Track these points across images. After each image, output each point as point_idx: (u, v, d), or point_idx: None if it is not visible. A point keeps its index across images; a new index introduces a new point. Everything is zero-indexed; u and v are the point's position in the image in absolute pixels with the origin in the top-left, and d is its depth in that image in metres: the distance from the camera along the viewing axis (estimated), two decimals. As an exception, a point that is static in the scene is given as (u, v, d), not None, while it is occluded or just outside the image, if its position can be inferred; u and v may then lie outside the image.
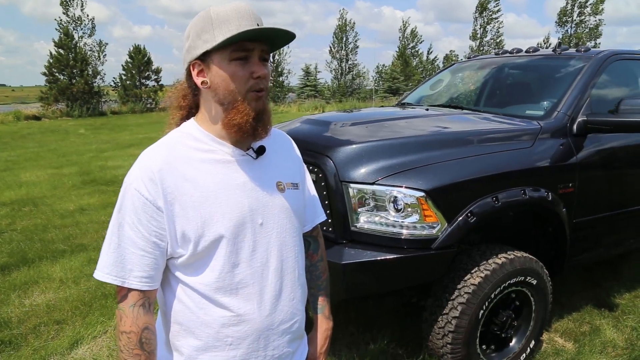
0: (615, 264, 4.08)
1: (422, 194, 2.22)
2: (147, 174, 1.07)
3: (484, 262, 2.44)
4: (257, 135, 1.13)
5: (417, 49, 37.18)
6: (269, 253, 1.17)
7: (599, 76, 2.98)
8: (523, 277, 2.51)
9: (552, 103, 2.90)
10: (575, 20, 32.61)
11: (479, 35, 33.45)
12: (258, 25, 1.06)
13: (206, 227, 1.08)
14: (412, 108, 3.71)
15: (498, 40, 33.14)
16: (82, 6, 23.36)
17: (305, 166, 1.39)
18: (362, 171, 2.33)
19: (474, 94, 3.78)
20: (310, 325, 1.45)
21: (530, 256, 2.57)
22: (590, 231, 2.95)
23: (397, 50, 36.43)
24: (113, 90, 26.83)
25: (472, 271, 2.42)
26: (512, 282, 2.47)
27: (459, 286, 2.40)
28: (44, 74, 22.09)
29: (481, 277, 2.38)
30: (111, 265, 1.07)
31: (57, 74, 22.06)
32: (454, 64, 4.31)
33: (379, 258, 2.22)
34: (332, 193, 2.37)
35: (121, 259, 1.07)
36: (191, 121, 1.18)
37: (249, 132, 1.11)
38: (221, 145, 1.14)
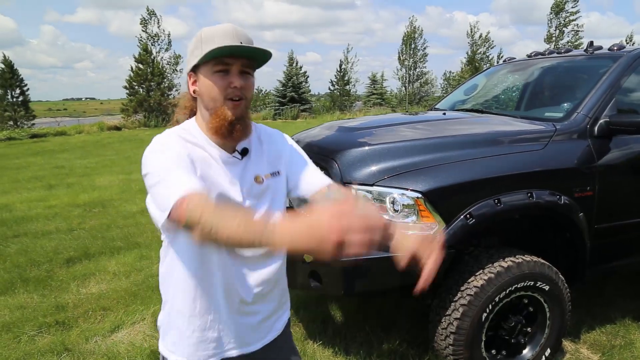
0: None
1: (419, 195, 2.27)
2: (175, 138, 1.27)
3: (490, 265, 2.43)
4: (234, 138, 1.30)
5: (487, 54, 35.69)
6: None
7: (628, 76, 2.83)
8: (532, 282, 2.45)
9: (573, 104, 2.81)
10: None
11: (554, 38, 31.52)
12: (241, 43, 1.24)
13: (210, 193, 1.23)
14: (434, 112, 3.72)
15: (576, 43, 31.00)
16: (158, 23, 25.13)
17: (294, 149, 1.51)
18: (363, 173, 2.43)
19: (501, 98, 3.71)
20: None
21: (542, 261, 2.51)
22: (617, 238, 2.80)
23: (466, 56, 35.32)
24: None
25: (477, 273, 2.42)
26: (519, 286, 2.43)
27: (462, 288, 2.41)
28: (125, 87, 24.07)
29: (484, 279, 2.38)
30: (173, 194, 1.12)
31: (136, 87, 23.94)
32: (488, 68, 4.25)
33: (374, 256, 2.29)
34: (337, 194, 2.48)
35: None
36: (192, 120, 1.38)
37: (225, 135, 1.28)
38: (211, 146, 1.32)
